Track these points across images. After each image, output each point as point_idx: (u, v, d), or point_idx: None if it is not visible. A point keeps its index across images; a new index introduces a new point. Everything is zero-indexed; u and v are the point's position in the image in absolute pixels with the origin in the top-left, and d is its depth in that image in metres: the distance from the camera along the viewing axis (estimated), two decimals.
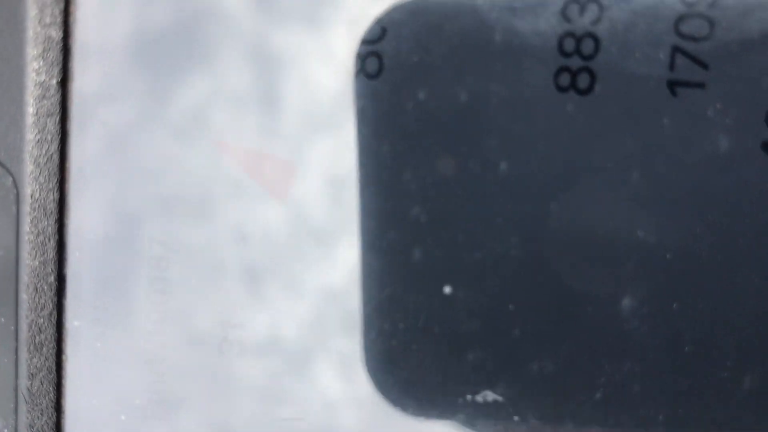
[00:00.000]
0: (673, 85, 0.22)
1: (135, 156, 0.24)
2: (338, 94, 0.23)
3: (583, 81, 0.22)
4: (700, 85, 0.22)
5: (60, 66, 0.24)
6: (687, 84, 0.22)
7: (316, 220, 0.24)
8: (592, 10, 0.22)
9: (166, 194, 0.24)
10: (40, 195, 0.24)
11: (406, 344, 0.24)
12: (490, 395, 0.24)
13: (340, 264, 0.24)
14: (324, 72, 0.23)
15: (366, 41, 0.23)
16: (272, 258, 0.24)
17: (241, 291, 0.24)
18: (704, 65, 0.22)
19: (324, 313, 0.24)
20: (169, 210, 0.24)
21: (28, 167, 0.24)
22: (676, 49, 0.22)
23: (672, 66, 0.22)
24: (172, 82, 0.24)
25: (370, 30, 0.23)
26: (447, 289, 0.24)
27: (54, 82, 0.24)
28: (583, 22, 0.22)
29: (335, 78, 0.23)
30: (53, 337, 0.25)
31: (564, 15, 0.22)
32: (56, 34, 0.24)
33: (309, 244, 0.24)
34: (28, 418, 0.25)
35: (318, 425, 0.24)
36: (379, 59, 0.23)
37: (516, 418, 0.24)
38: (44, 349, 0.25)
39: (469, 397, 0.24)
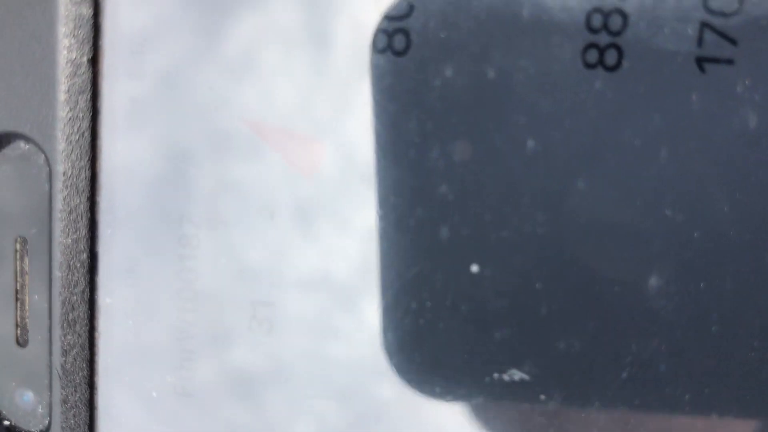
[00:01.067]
0: (701, 62, 0.22)
1: (166, 132, 0.25)
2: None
3: (610, 57, 0.23)
4: (729, 62, 0.22)
5: (90, 44, 0.24)
6: (716, 60, 0.22)
7: (364, 159, 0.24)
8: None
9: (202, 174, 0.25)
10: (72, 173, 0.25)
11: (434, 322, 0.24)
12: (516, 374, 0.24)
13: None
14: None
15: (393, 17, 0.23)
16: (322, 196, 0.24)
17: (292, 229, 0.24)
18: (733, 41, 0.22)
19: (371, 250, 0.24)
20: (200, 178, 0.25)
21: (61, 145, 0.25)
22: (704, 25, 0.22)
23: (700, 42, 0.22)
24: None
25: (398, 6, 0.23)
26: (474, 268, 0.24)
27: (85, 59, 0.25)
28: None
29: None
30: (86, 314, 0.26)
31: None
32: (87, 11, 0.24)
33: (356, 184, 0.24)
34: (62, 394, 0.26)
35: (365, 358, 0.25)
36: (406, 36, 0.23)
37: (542, 396, 0.24)
38: (77, 326, 0.26)
39: (495, 375, 0.24)
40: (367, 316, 0.25)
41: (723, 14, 0.22)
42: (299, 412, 0.26)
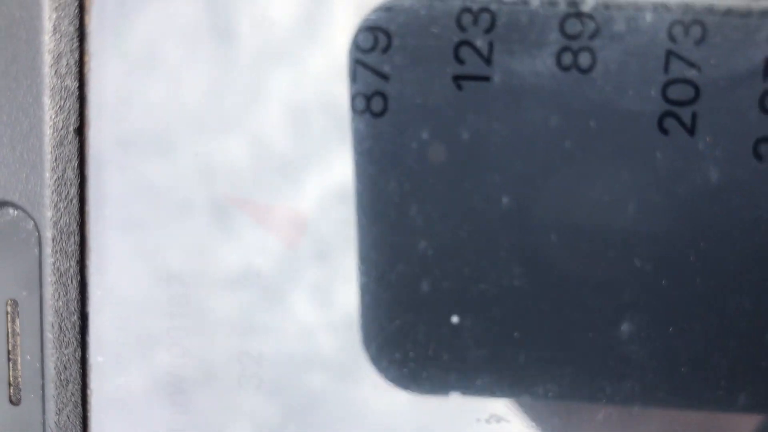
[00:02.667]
0: (663, 122, 0.24)
1: (155, 200, 0.26)
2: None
3: (579, 120, 0.24)
4: (690, 123, 0.24)
5: (77, 114, 0.26)
6: (677, 119, 0.24)
7: (279, 148, 0.25)
8: (585, 56, 0.24)
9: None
10: (61, 238, 0.26)
11: (417, 372, 0.26)
12: (497, 418, 0.26)
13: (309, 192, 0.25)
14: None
15: (372, 80, 0.24)
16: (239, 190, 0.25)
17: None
18: (693, 101, 0.24)
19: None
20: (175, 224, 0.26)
21: (49, 212, 0.26)
22: (666, 84, 0.24)
23: (663, 102, 0.24)
24: None
25: (376, 68, 0.24)
26: (455, 319, 0.25)
27: (71, 129, 0.26)
28: (577, 65, 0.24)
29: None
30: (78, 373, 0.27)
31: (558, 59, 0.24)
32: (72, 83, 0.25)
33: (274, 175, 0.25)
34: None
35: (296, 354, 0.26)
36: (384, 99, 0.24)
37: None
38: (70, 384, 0.27)
39: (477, 419, 0.26)
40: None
41: (683, 75, 0.24)
42: None
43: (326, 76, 0.25)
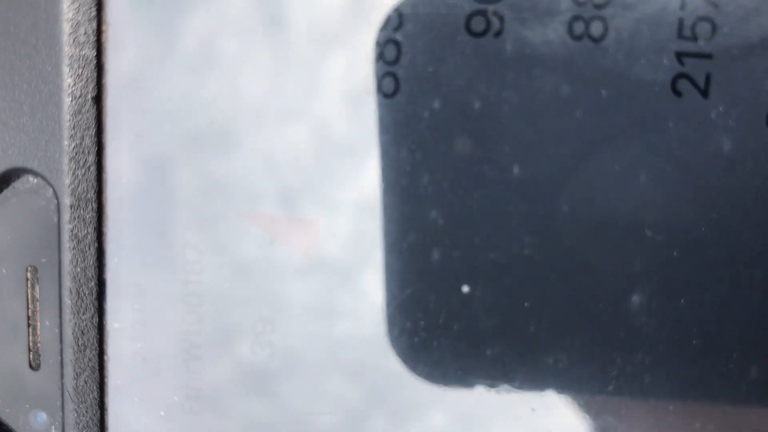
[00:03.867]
0: (676, 87, 0.24)
1: (169, 164, 0.26)
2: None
3: (590, 87, 0.24)
4: (704, 91, 0.24)
5: (94, 83, 0.26)
6: (692, 84, 0.24)
7: (339, 135, 0.25)
8: (596, 25, 0.24)
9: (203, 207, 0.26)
10: (79, 205, 0.27)
11: (428, 341, 0.26)
12: (507, 388, 0.26)
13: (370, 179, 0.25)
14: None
15: (383, 61, 0.25)
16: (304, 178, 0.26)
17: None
18: (707, 73, 0.24)
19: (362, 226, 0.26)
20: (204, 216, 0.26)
21: (67, 179, 0.27)
22: (679, 55, 0.24)
23: (676, 70, 0.24)
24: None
25: (387, 49, 0.25)
26: (465, 288, 0.26)
27: (89, 97, 0.26)
28: (589, 34, 0.24)
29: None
30: (95, 339, 0.27)
31: (570, 28, 0.24)
32: (90, 53, 0.26)
33: (337, 160, 0.26)
34: (73, 415, 0.28)
35: (371, 337, 0.26)
36: (395, 78, 0.25)
37: (531, 408, 0.26)
38: (87, 350, 0.28)
39: (487, 389, 0.26)
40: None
41: (697, 43, 0.24)
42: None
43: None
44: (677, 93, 0.24)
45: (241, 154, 0.26)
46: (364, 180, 0.26)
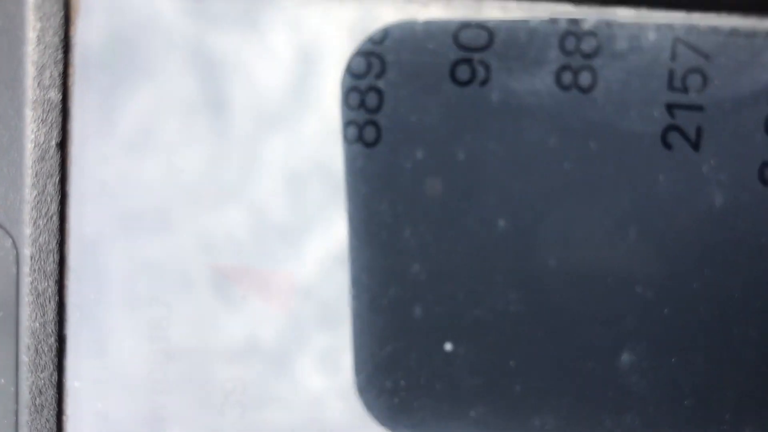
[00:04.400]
0: (667, 136, 0.23)
1: (137, 218, 0.25)
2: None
3: (579, 139, 0.24)
4: (695, 144, 0.23)
5: (59, 128, 0.25)
6: (683, 137, 0.23)
7: (277, 216, 0.25)
8: (585, 75, 0.23)
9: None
10: (39, 256, 0.25)
11: (408, 401, 0.25)
12: None
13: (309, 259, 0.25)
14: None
15: (365, 109, 0.24)
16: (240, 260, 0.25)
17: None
18: (698, 127, 0.23)
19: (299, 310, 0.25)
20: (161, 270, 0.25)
21: (28, 229, 0.25)
22: (670, 107, 0.23)
23: (666, 123, 0.23)
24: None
25: (368, 98, 0.24)
26: (448, 346, 0.25)
27: (53, 143, 0.25)
28: (578, 84, 0.23)
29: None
30: (54, 398, 0.26)
31: (558, 78, 0.24)
32: (55, 96, 0.25)
33: (275, 243, 0.25)
34: None
35: (304, 422, 0.25)
36: (376, 127, 0.24)
37: None
38: (45, 410, 0.26)
39: None
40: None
41: (688, 95, 0.23)
42: None
43: (320, 139, 0.25)
44: (668, 145, 0.24)
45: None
46: (300, 263, 0.25)
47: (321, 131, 0.24)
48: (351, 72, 0.24)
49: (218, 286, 0.26)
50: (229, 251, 0.25)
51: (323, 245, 0.25)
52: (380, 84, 0.24)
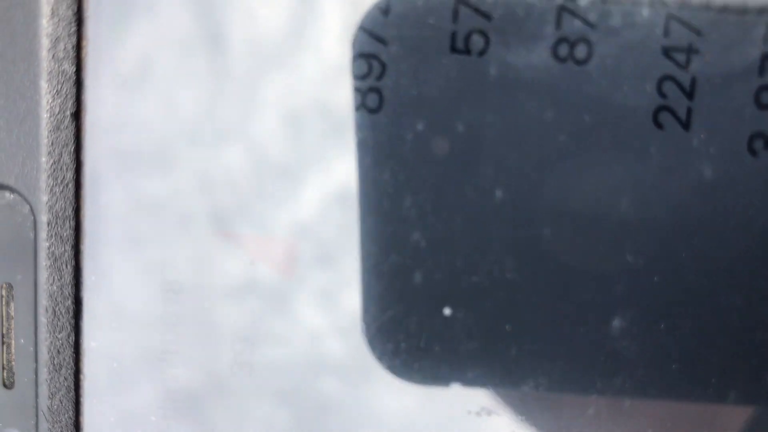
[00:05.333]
0: (658, 117, 0.24)
1: (148, 184, 0.26)
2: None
3: (574, 113, 0.25)
4: (686, 120, 0.24)
5: (74, 99, 0.26)
6: (673, 115, 0.24)
7: (276, 155, 0.26)
8: (581, 48, 0.24)
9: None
10: (56, 222, 0.27)
11: (409, 363, 0.26)
12: (488, 411, 0.26)
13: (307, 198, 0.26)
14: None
15: (367, 76, 0.25)
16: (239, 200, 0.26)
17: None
18: (690, 95, 0.24)
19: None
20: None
21: (45, 196, 0.27)
22: (663, 79, 0.24)
23: (659, 97, 0.24)
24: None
25: (371, 65, 0.25)
26: (446, 311, 0.26)
27: (68, 113, 0.26)
28: (574, 56, 0.24)
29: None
30: (71, 358, 0.27)
31: (554, 51, 0.24)
32: (69, 68, 0.26)
33: (273, 181, 0.26)
34: None
35: (304, 358, 0.27)
36: (379, 94, 0.25)
37: (513, 430, 0.26)
38: (63, 369, 0.27)
39: (467, 412, 0.26)
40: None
41: (679, 71, 0.24)
42: None
43: (320, 78, 0.26)
44: (659, 126, 0.25)
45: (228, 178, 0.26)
46: (301, 203, 0.26)
47: (320, 70, 0.25)
48: (354, 47, 0.25)
49: (229, 252, 0.27)
50: (228, 191, 0.26)
51: (322, 184, 0.26)
52: (383, 56, 0.25)
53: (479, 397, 0.26)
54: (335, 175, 0.26)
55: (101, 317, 0.28)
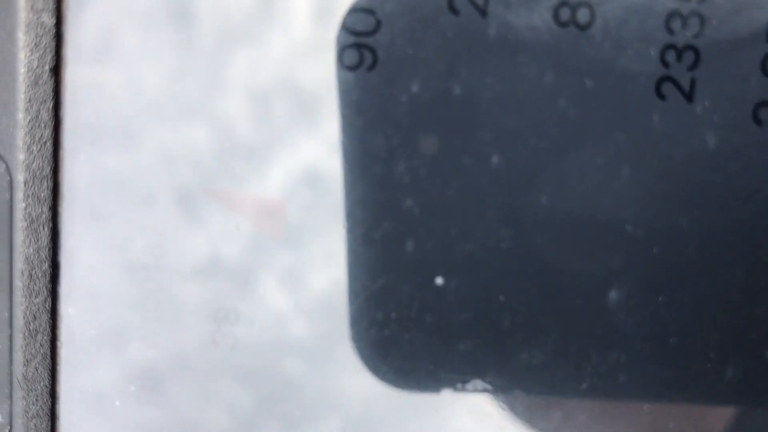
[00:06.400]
0: (661, 84, 0.24)
1: (134, 133, 0.26)
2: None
3: (575, 76, 0.24)
4: (690, 86, 0.24)
5: (53, 53, 0.25)
6: (676, 83, 0.24)
7: (241, 134, 0.25)
8: (583, 12, 0.24)
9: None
10: (33, 182, 0.26)
11: (399, 334, 0.26)
12: (479, 384, 0.26)
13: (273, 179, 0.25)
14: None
15: (360, 33, 0.24)
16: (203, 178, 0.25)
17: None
18: (694, 65, 0.24)
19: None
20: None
21: (21, 154, 0.26)
22: (667, 47, 0.24)
23: (662, 63, 0.24)
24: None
25: (365, 22, 0.24)
26: (439, 280, 0.25)
27: (47, 68, 0.25)
28: (576, 21, 0.24)
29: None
30: (48, 324, 0.27)
31: (556, 14, 0.24)
32: (49, 20, 0.25)
33: (238, 162, 0.25)
34: (23, 403, 0.27)
35: (268, 338, 0.26)
36: (373, 52, 0.24)
37: (504, 406, 0.26)
38: (39, 335, 0.27)
39: (459, 385, 0.26)
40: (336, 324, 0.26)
41: (685, 36, 0.23)
42: None
43: (289, 55, 0.25)
44: (661, 96, 0.24)
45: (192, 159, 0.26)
46: (266, 183, 0.25)
47: (288, 48, 0.25)
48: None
49: (214, 213, 0.26)
50: (192, 169, 0.26)
51: (288, 165, 0.25)
52: (378, 12, 0.24)
53: (470, 369, 0.26)
54: (302, 155, 0.25)
55: (79, 282, 0.27)
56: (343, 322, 0.26)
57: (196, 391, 0.27)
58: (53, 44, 0.25)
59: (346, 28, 0.25)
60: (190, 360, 0.27)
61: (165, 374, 0.27)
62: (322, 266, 0.26)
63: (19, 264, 0.27)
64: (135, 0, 0.25)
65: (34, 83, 0.26)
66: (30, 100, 0.26)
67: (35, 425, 0.27)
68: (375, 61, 0.25)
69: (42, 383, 0.27)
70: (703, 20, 0.24)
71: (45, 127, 0.26)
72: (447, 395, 0.26)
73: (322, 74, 0.25)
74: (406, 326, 0.26)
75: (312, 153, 0.25)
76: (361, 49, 0.25)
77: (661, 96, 0.24)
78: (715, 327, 0.25)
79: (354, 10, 0.24)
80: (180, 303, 0.27)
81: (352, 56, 0.25)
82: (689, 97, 0.24)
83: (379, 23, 0.24)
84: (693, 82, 0.24)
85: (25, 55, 0.25)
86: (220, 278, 0.26)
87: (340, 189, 0.25)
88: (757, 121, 0.24)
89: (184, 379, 0.27)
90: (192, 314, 0.27)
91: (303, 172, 0.26)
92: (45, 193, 0.26)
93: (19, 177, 0.26)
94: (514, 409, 0.26)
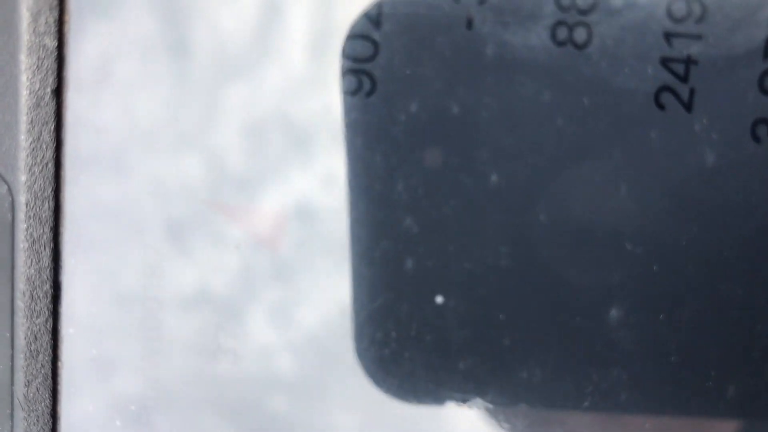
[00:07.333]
0: (660, 99, 0.24)
1: (131, 159, 0.26)
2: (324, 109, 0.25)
3: (572, 95, 0.24)
4: (687, 102, 0.24)
5: (55, 75, 0.26)
6: (675, 96, 0.24)
7: (234, 166, 0.25)
8: (580, 31, 0.24)
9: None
10: (35, 203, 0.26)
11: (399, 352, 0.26)
12: (480, 402, 0.26)
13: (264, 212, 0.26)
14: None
15: (359, 59, 0.25)
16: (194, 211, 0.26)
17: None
18: (690, 81, 0.24)
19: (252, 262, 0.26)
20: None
21: (23, 176, 0.26)
22: (664, 62, 0.24)
23: (660, 81, 0.24)
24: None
25: (363, 48, 0.24)
26: (439, 299, 0.26)
27: (48, 90, 0.26)
28: (573, 40, 0.24)
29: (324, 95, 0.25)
30: (49, 344, 0.27)
31: (553, 34, 0.24)
32: (51, 42, 0.26)
33: (230, 194, 0.26)
34: (24, 424, 0.27)
35: (254, 373, 0.26)
36: (371, 78, 0.25)
37: (505, 425, 0.26)
38: (40, 356, 0.27)
39: (459, 404, 0.26)
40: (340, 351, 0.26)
41: (681, 53, 0.24)
42: None
43: (283, 89, 0.25)
44: (660, 106, 0.24)
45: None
46: (255, 215, 0.26)
47: (283, 81, 0.25)
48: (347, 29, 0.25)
49: (216, 234, 0.26)
50: (184, 199, 0.26)
51: (279, 198, 0.26)
52: (376, 36, 0.25)
53: (471, 388, 0.26)
54: (294, 188, 0.26)
55: (80, 302, 0.27)
56: (334, 356, 0.26)
57: (184, 424, 0.27)
58: (55, 67, 0.26)
59: (345, 55, 0.25)
60: (177, 393, 0.27)
61: (151, 407, 0.27)
62: (312, 301, 0.26)
63: (21, 285, 0.27)
64: (134, 28, 0.25)
65: (36, 105, 0.26)
66: (32, 122, 0.26)
67: None
68: (374, 87, 0.25)
69: (43, 404, 0.27)
70: (700, 37, 0.24)
71: (47, 148, 0.26)
72: (448, 414, 0.26)
73: (317, 107, 0.25)
74: (406, 345, 0.26)
75: (304, 187, 0.26)
76: (359, 75, 0.25)
77: (660, 106, 0.24)
78: (716, 344, 0.25)
79: (351, 37, 0.25)
80: (169, 334, 0.27)
81: (350, 82, 0.25)
82: (688, 107, 0.24)
83: (377, 48, 0.25)
84: (692, 92, 0.24)
85: (27, 78, 0.26)
86: (208, 310, 0.27)
87: (332, 224, 0.26)
88: (756, 138, 0.24)
89: (171, 411, 0.27)
90: (180, 346, 0.27)
91: (295, 206, 0.26)
92: (46, 214, 0.27)
93: (21, 198, 0.26)
94: (515, 427, 0.26)
